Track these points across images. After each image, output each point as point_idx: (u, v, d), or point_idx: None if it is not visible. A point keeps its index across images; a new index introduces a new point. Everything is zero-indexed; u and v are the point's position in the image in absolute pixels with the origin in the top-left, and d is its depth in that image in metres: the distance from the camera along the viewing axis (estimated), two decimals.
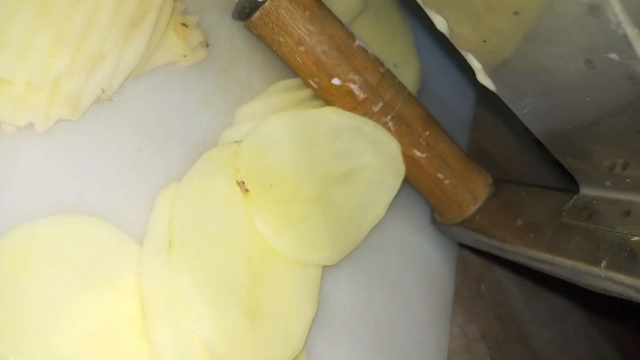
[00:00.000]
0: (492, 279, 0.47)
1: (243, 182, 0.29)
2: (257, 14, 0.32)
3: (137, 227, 0.26)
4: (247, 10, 0.33)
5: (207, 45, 0.33)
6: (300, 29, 0.32)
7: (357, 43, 0.34)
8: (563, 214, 0.30)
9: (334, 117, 0.34)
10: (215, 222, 0.28)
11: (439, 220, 0.39)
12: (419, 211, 0.41)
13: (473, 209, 0.37)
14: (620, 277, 0.25)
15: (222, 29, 0.34)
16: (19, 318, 0.21)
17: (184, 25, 0.32)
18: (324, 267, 0.32)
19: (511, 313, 0.46)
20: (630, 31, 0.20)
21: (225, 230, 0.28)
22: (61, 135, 0.26)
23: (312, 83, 0.34)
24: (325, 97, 0.35)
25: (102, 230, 0.25)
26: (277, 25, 0.32)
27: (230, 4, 0.34)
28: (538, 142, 0.45)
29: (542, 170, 0.51)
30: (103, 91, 0.27)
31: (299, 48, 0.32)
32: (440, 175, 0.36)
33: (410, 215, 0.40)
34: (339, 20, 0.34)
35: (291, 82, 0.36)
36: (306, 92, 0.36)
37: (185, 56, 0.31)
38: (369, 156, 0.35)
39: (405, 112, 0.35)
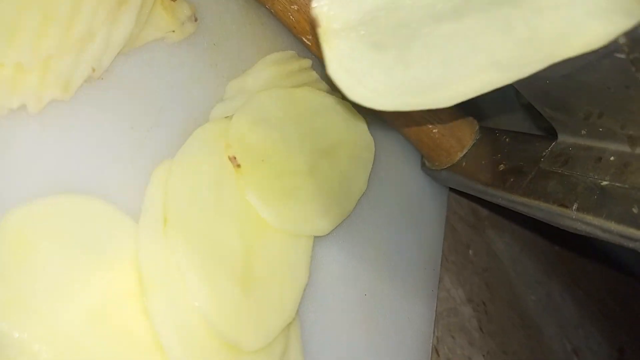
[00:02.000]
0: (480, 244, 0.48)
1: (235, 158, 0.30)
2: None
3: (132, 204, 0.27)
4: None
5: (196, 20, 0.33)
6: None
7: None
8: (542, 160, 0.32)
9: (312, 96, 0.35)
10: (209, 197, 0.29)
11: (429, 165, 0.41)
12: (407, 178, 0.42)
13: (460, 154, 0.39)
14: (589, 218, 0.28)
15: (211, 2, 0.34)
16: (22, 295, 0.22)
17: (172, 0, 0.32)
18: (315, 237, 0.33)
19: (498, 277, 0.48)
20: None
21: (219, 205, 0.29)
22: (54, 116, 0.26)
23: (305, 41, 0.35)
24: (319, 54, 0.36)
25: (98, 209, 0.25)
26: None
27: None
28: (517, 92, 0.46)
29: (520, 116, 0.54)
30: (93, 70, 0.27)
31: (292, 7, 0.33)
32: (429, 125, 0.38)
33: (398, 182, 0.41)
34: None
35: (281, 55, 0.36)
36: (296, 65, 0.36)
37: (173, 31, 0.31)
38: (343, 132, 0.36)
39: None
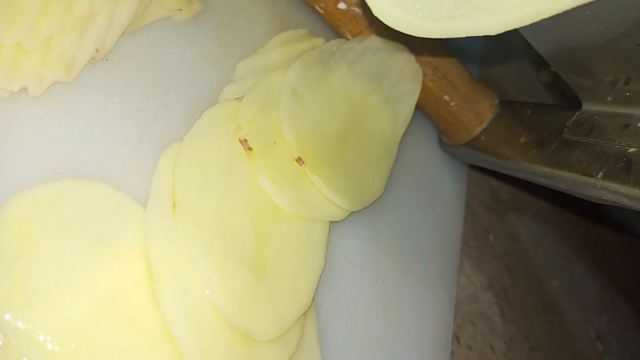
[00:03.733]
0: (500, 229, 0.47)
1: (246, 140, 0.29)
2: None
3: (139, 189, 0.26)
4: None
5: None
6: None
7: None
8: (565, 129, 0.31)
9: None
10: (219, 181, 0.27)
11: (446, 141, 0.40)
12: (426, 161, 0.41)
13: (479, 129, 0.38)
14: (615, 186, 0.27)
15: None
16: (27, 285, 0.21)
17: None
18: (331, 222, 0.32)
19: (519, 262, 0.47)
20: None
21: (229, 190, 0.28)
22: (57, 98, 0.25)
23: (318, 9, 0.35)
24: (331, 22, 0.35)
25: (104, 194, 0.24)
26: None
27: None
28: (538, 68, 0.45)
29: (540, 93, 0.52)
30: (97, 51, 0.26)
31: None
32: (446, 97, 0.37)
33: (416, 165, 0.40)
34: None
35: (291, 33, 0.35)
36: (308, 43, 0.35)
37: (180, 10, 0.30)
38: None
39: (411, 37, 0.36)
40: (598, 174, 0.28)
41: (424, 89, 0.37)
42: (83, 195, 0.24)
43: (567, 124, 0.32)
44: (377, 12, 0.24)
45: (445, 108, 0.38)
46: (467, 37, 0.23)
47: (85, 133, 0.25)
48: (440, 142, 0.41)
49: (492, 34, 0.23)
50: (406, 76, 0.37)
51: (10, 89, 0.23)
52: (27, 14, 0.24)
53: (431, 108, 0.39)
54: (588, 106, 0.31)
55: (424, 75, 0.37)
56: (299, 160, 0.30)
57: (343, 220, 0.32)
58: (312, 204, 0.30)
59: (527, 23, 0.22)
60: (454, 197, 0.42)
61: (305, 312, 0.28)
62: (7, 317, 0.21)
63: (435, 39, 0.36)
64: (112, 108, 0.26)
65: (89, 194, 0.24)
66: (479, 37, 0.23)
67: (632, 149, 0.27)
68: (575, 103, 0.32)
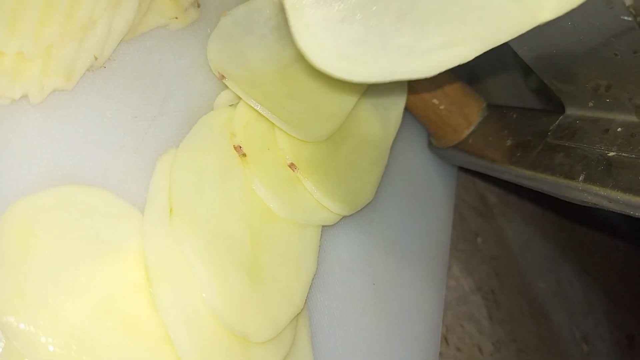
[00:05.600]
0: (488, 232, 0.48)
1: (240, 147, 0.30)
2: None
3: (137, 194, 0.26)
4: None
5: (199, 6, 0.33)
6: None
7: None
8: (549, 133, 0.33)
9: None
10: (215, 187, 0.28)
11: (435, 144, 0.41)
12: (415, 164, 0.42)
13: (467, 132, 0.39)
14: (595, 188, 0.28)
15: None
16: (28, 288, 0.22)
17: None
18: (323, 226, 0.33)
19: (507, 265, 0.48)
20: None
21: (225, 195, 0.28)
22: (56, 105, 0.25)
23: None
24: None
25: (103, 200, 0.25)
26: None
27: None
28: (525, 74, 0.46)
29: (528, 99, 0.54)
30: (96, 58, 0.27)
31: None
32: (435, 101, 0.39)
33: (406, 168, 0.41)
34: None
35: None
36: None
37: (176, 18, 0.31)
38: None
39: None
40: (579, 176, 0.29)
41: (414, 93, 0.38)
42: (82, 201, 0.24)
43: (551, 128, 0.33)
44: (307, 54, 0.23)
45: (435, 111, 0.39)
46: None
47: (84, 139, 0.26)
48: (430, 145, 0.42)
49: (423, 76, 0.23)
50: (392, 82, 0.38)
51: (12, 96, 0.24)
52: (29, 23, 0.24)
53: (420, 111, 0.40)
54: (571, 111, 0.32)
55: (414, 80, 0.38)
56: (291, 166, 0.31)
57: (335, 224, 0.33)
58: (305, 208, 0.31)
59: (451, 66, 0.23)
60: (444, 200, 0.43)
61: (298, 313, 0.29)
62: (9, 319, 0.21)
63: None
64: (110, 115, 0.27)
65: (88, 199, 0.25)
66: None
67: (611, 153, 0.28)
68: (560, 108, 0.33)
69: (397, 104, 0.38)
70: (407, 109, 0.39)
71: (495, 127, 0.38)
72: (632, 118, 0.28)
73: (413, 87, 0.38)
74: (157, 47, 0.30)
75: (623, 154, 0.28)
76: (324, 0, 0.23)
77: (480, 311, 0.43)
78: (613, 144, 0.29)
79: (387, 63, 0.23)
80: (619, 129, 0.29)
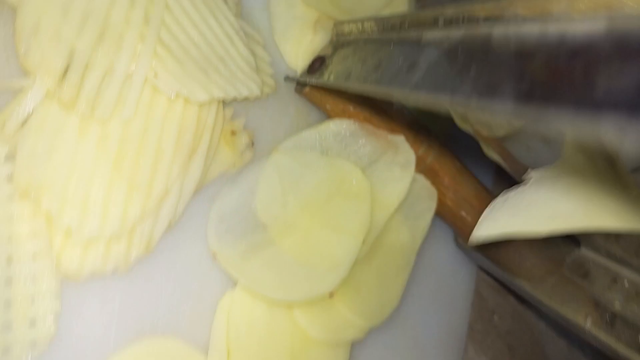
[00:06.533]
0: (505, 308, 0.51)
1: None
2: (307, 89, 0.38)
3: (202, 338, 0.32)
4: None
5: (252, 144, 0.37)
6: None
7: (395, 107, 0.40)
8: (564, 264, 0.36)
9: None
10: (264, 322, 0.33)
11: (461, 242, 0.45)
12: (440, 257, 0.46)
13: None
14: (600, 337, 0.31)
15: (265, 120, 0.38)
16: None
17: (233, 133, 0.35)
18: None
19: (521, 338, 0.51)
20: None
21: (271, 326, 0.34)
22: (138, 270, 0.31)
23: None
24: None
25: (174, 348, 0.30)
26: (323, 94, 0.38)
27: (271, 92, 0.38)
28: None
29: None
30: (169, 222, 0.32)
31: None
32: (463, 213, 0.42)
33: (433, 266, 0.45)
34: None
35: None
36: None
37: (234, 164, 0.35)
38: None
39: (435, 165, 0.41)
40: (587, 320, 0.32)
41: (443, 205, 0.42)
42: (159, 351, 0.30)
43: (567, 260, 0.36)
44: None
45: (462, 221, 0.42)
46: None
47: (159, 295, 0.31)
48: (456, 242, 0.46)
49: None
50: (423, 197, 0.42)
51: (104, 273, 0.29)
52: (118, 208, 0.29)
53: (449, 220, 0.43)
54: (585, 251, 0.35)
55: (444, 195, 0.42)
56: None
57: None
58: (337, 328, 0.36)
59: None
60: (466, 289, 0.47)
61: None
62: None
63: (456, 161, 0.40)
64: (179, 266, 0.32)
65: (163, 349, 0.30)
66: None
67: (617, 304, 0.31)
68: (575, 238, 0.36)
69: (426, 213, 0.42)
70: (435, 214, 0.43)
71: (518, 242, 0.40)
72: (637, 277, 0.31)
73: (442, 201, 0.42)
74: (218, 194, 0.35)
75: (628, 309, 0.31)
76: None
77: None
78: (620, 296, 0.31)
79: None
80: (627, 284, 0.32)
